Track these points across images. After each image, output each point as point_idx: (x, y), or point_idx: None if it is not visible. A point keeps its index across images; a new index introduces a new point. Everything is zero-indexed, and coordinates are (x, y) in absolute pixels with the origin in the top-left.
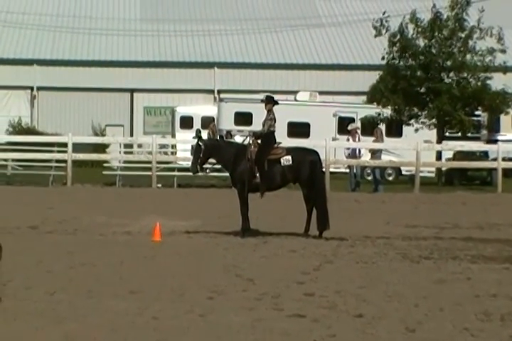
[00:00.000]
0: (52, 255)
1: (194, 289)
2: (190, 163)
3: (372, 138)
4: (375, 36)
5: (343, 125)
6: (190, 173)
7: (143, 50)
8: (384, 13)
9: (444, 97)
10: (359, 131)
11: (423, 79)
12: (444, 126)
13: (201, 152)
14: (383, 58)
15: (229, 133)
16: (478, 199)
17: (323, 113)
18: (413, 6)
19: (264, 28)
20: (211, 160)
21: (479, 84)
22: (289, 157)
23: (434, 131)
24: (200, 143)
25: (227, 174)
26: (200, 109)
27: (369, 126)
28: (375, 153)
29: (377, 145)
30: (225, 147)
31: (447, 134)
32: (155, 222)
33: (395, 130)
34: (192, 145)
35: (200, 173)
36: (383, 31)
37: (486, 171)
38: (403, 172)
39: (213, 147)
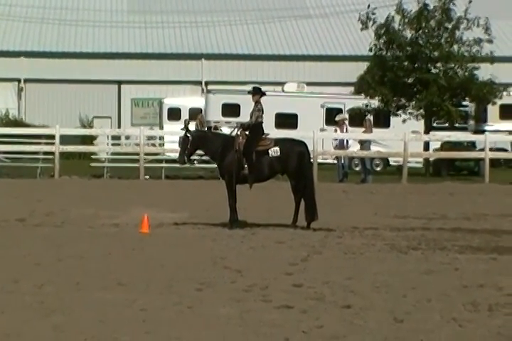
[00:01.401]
0: (40, 247)
1: (182, 281)
2: (177, 155)
3: (361, 129)
4: (362, 30)
5: (331, 116)
6: (178, 165)
7: (130, 41)
8: (368, 7)
9: (432, 88)
10: (347, 122)
11: (410, 70)
12: (431, 117)
13: (189, 143)
14: (370, 50)
15: (215, 126)
16: (466, 189)
17: (311, 104)
18: None
19: (251, 19)
20: (199, 151)
21: (466, 74)
22: (277, 148)
23: (422, 121)
24: (188, 135)
25: (215, 165)
26: (188, 100)
27: (357, 117)
28: (364, 143)
29: (366, 136)
30: (212, 138)
31: (435, 125)
32: (143, 214)
33: (382, 121)
34: (180, 137)
35: (187, 165)
36: (370, 24)
37: (473, 161)
38: (391, 163)
39: (201, 138)
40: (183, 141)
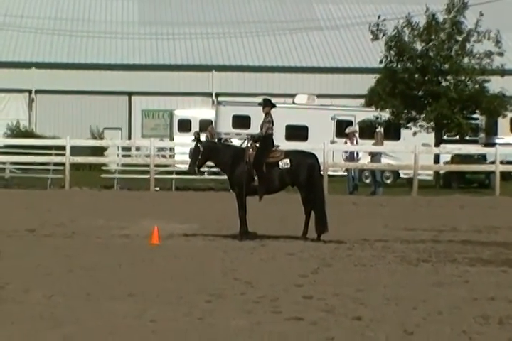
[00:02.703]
0: (51, 258)
1: (192, 292)
2: (188, 166)
3: (372, 141)
4: (372, 40)
5: (341, 128)
6: (188, 176)
7: (141, 53)
8: (379, 17)
9: (443, 101)
10: (357, 134)
11: (421, 82)
12: (442, 129)
13: (199, 154)
14: (381, 62)
15: (226, 139)
16: (476, 202)
17: (321, 116)
18: (411, 9)
19: (262, 31)
20: (209, 163)
21: (477, 87)
22: (287, 160)
23: (432, 134)
24: (199, 145)
25: (226, 177)
26: (199, 112)
27: (367, 129)
28: (375, 156)
29: (376, 149)
30: (223, 150)
31: (445, 137)
32: (153, 225)
33: (393, 133)
34: (190, 149)
35: (197, 176)
36: (380, 35)
37: (483, 174)
38: (401, 176)
39: (212, 149)
40: (194, 152)
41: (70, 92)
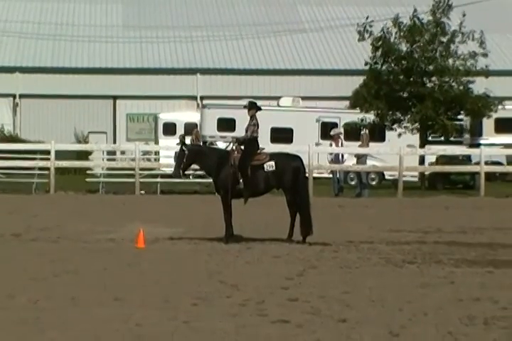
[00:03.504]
0: (36, 263)
1: (178, 296)
2: (172, 169)
3: (357, 143)
4: (359, 40)
5: (326, 130)
6: (174, 180)
7: (125, 56)
8: (367, 18)
9: (427, 102)
10: (342, 136)
11: (405, 83)
12: (426, 131)
13: (184, 157)
14: (366, 64)
15: (211, 142)
16: (461, 203)
17: (306, 118)
18: (395, 11)
19: (246, 33)
20: (194, 166)
21: (461, 88)
22: (272, 163)
23: (417, 135)
24: (184, 149)
25: (211, 180)
26: (183, 115)
27: (352, 131)
28: (361, 158)
29: (361, 150)
30: (208, 153)
31: (430, 138)
32: (138, 229)
33: (378, 135)
34: (175, 152)
35: (182, 179)
36: (367, 36)
37: (468, 175)
38: (386, 177)
39: (197, 153)
40: (179, 155)
41: (54, 96)
